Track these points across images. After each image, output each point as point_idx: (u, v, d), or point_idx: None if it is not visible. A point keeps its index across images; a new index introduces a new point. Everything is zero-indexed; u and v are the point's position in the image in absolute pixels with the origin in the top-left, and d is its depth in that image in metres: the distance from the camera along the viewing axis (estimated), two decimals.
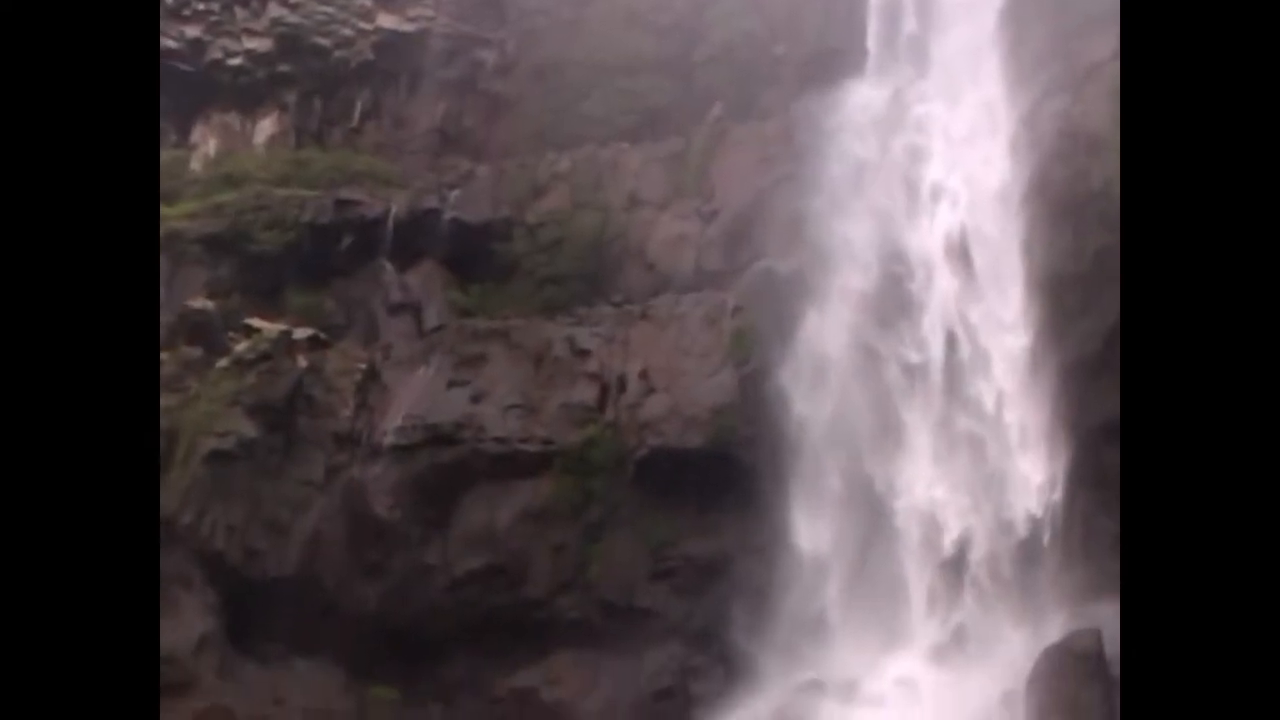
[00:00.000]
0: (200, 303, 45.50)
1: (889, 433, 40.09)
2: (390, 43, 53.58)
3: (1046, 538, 36.32)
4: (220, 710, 39.45)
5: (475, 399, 44.02)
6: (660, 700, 40.06)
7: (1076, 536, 35.39)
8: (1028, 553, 36.94)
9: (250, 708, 39.68)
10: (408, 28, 53.74)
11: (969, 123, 43.38)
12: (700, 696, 39.43)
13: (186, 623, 40.55)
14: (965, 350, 40.25)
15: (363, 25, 53.60)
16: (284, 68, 53.09)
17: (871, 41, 46.51)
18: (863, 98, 44.58)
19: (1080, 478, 36.16)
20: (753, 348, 42.61)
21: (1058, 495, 36.51)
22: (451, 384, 44.41)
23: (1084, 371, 36.62)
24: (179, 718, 39.12)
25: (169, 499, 42.04)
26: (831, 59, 46.78)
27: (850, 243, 42.44)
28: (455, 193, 48.63)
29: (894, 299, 41.71)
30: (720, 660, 39.66)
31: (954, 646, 36.59)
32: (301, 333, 45.18)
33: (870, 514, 39.34)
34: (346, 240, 47.68)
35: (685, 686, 40.04)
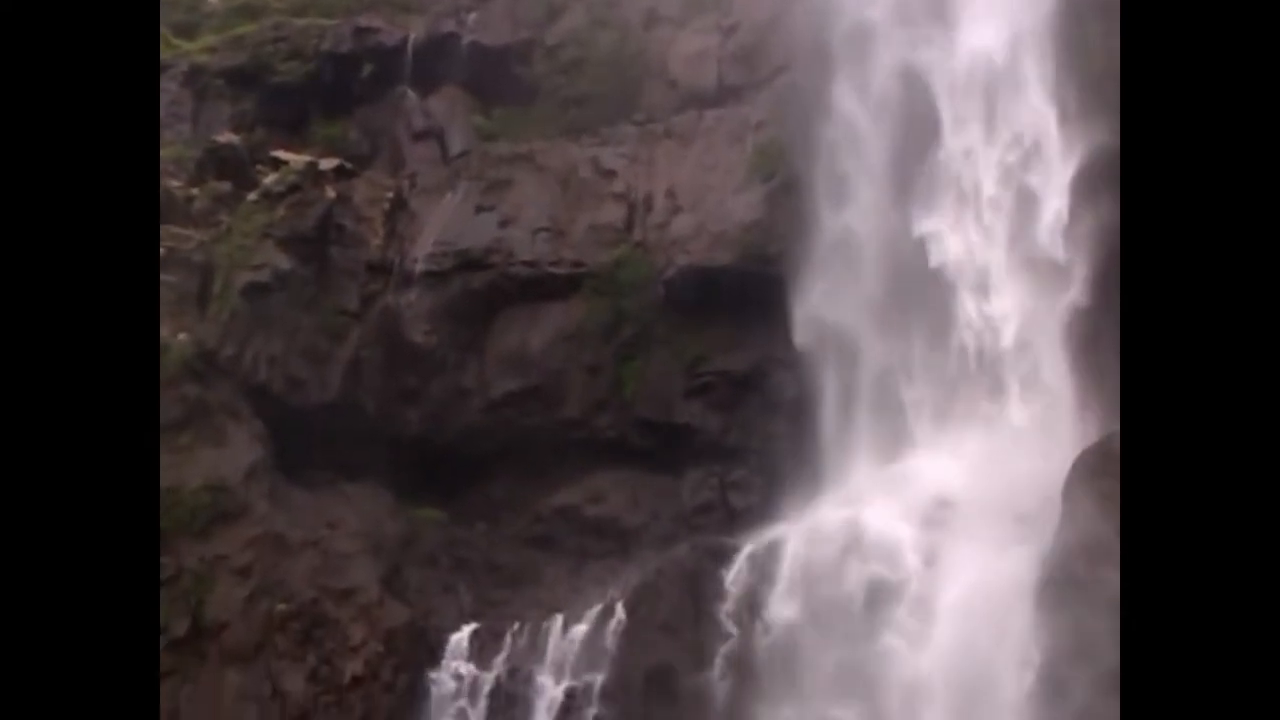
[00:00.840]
0: (226, 137, 45.80)
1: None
2: None
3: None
4: (272, 536, 40.54)
5: (503, 223, 44.52)
6: (701, 514, 41.14)
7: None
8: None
9: (302, 533, 40.74)
10: None
11: None
12: (741, 510, 40.49)
13: (236, 453, 41.53)
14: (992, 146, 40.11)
15: None
16: None
17: None
18: None
19: None
20: (778, 162, 42.91)
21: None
22: (479, 209, 44.87)
23: None
24: (232, 545, 40.43)
25: (210, 333, 42.85)
26: None
27: (869, 54, 42.29)
28: (473, 16, 48.62)
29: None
30: (760, 473, 40.66)
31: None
32: (328, 163, 45.54)
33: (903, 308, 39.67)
34: (367, 68, 47.80)
35: (725, 500, 41.11)
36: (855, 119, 41.74)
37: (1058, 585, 32.42)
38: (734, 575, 37.60)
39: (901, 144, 40.90)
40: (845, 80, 41.97)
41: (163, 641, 38.79)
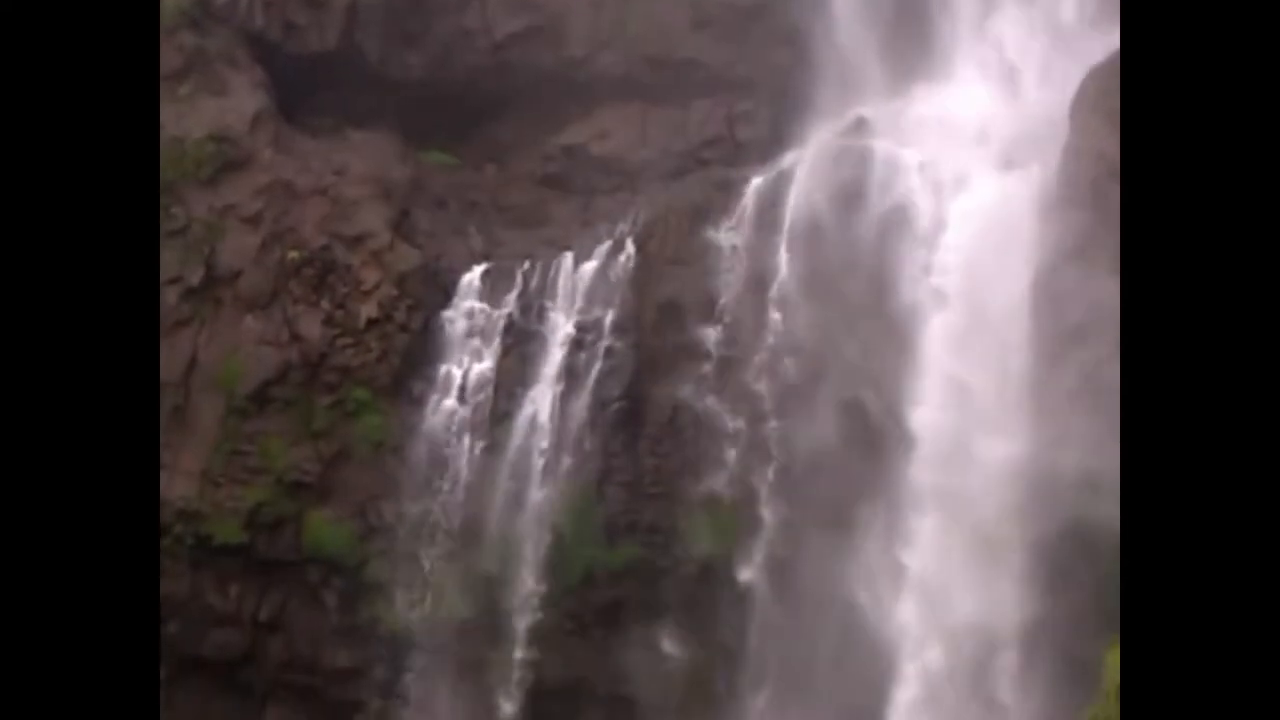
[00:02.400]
0: None
1: None
2: None
3: None
4: (281, 184, 40.48)
5: None
6: (708, 148, 40.96)
7: None
8: None
9: (310, 180, 40.65)
10: None
11: None
12: (747, 143, 40.28)
13: (238, 101, 41.14)
14: None
15: None
16: None
17: None
18: None
19: None
20: None
21: None
22: None
23: None
24: (241, 194, 40.43)
25: None
26: None
27: None
28: None
29: None
30: (767, 105, 40.33)
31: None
32: None
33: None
34: None
35: (732, 133, 40.86)
36: None
37: (1063, 197, 32.50)
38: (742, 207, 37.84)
39: None
40: None
41: (178, 290, 39.29)
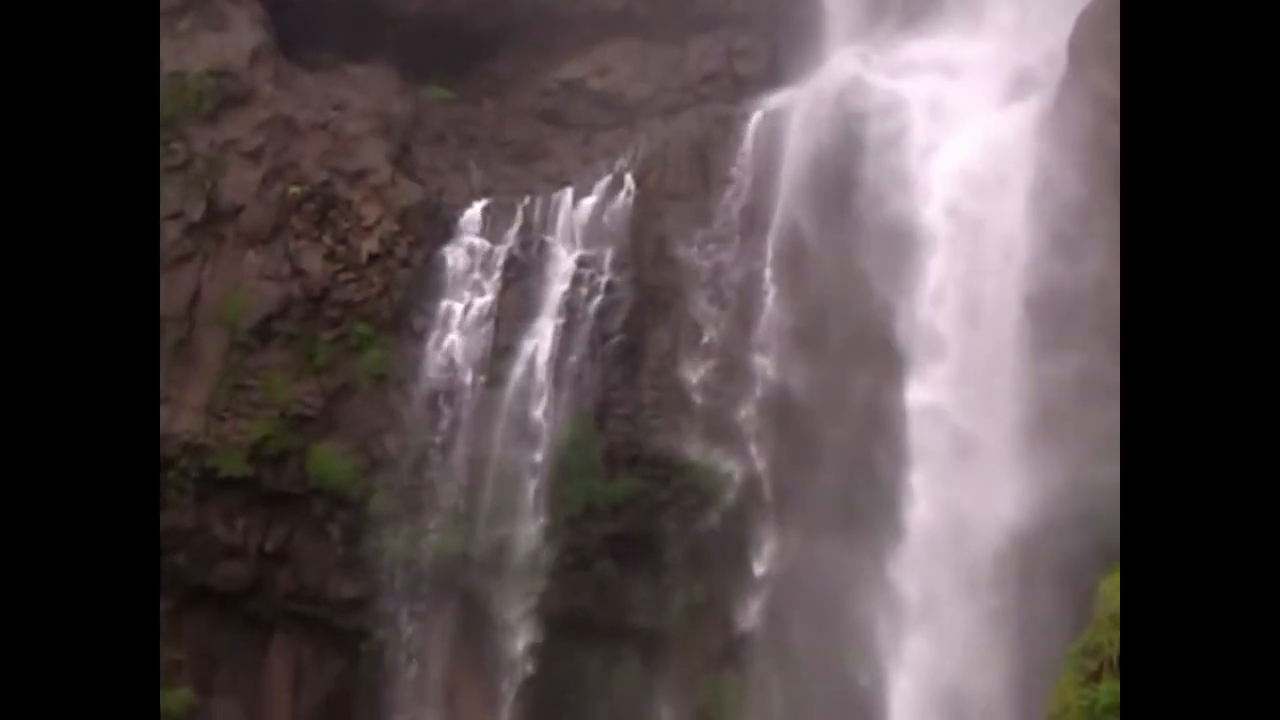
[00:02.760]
0: None
1: None
2: None
3: None
4: (281, 119, 40.63)
5: None
6: (707, 83, 41.14)
7: None
8: None
9: (310, 115, 40.81)
10: None
11: None
12: (747, 78, 40.46)
13: (238, 36, 41.23)
14: None
15: None
16: None
17: None
18: None
19: None
20: None
21: None
22: None
23: None
24: (242, 129, 40.59)
25: None
26: None
27: None
28: None
29: None
30: (766, 39, 40.48)
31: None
32: None
33: None
34: None
35: (732, 69, 41.04)
36: None
37: (1059, 133, 32.86)
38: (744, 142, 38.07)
39: None
40: None
41: (180, 225, 39.51)
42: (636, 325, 38.41)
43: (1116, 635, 21.64)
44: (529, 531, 37.68)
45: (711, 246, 37.68)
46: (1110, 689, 20.18)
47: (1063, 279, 33.08)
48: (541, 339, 38.59)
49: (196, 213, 39.75)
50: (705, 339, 37.52)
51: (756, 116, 38.39)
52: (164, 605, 38.53)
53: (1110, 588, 24.28)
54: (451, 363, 38.87)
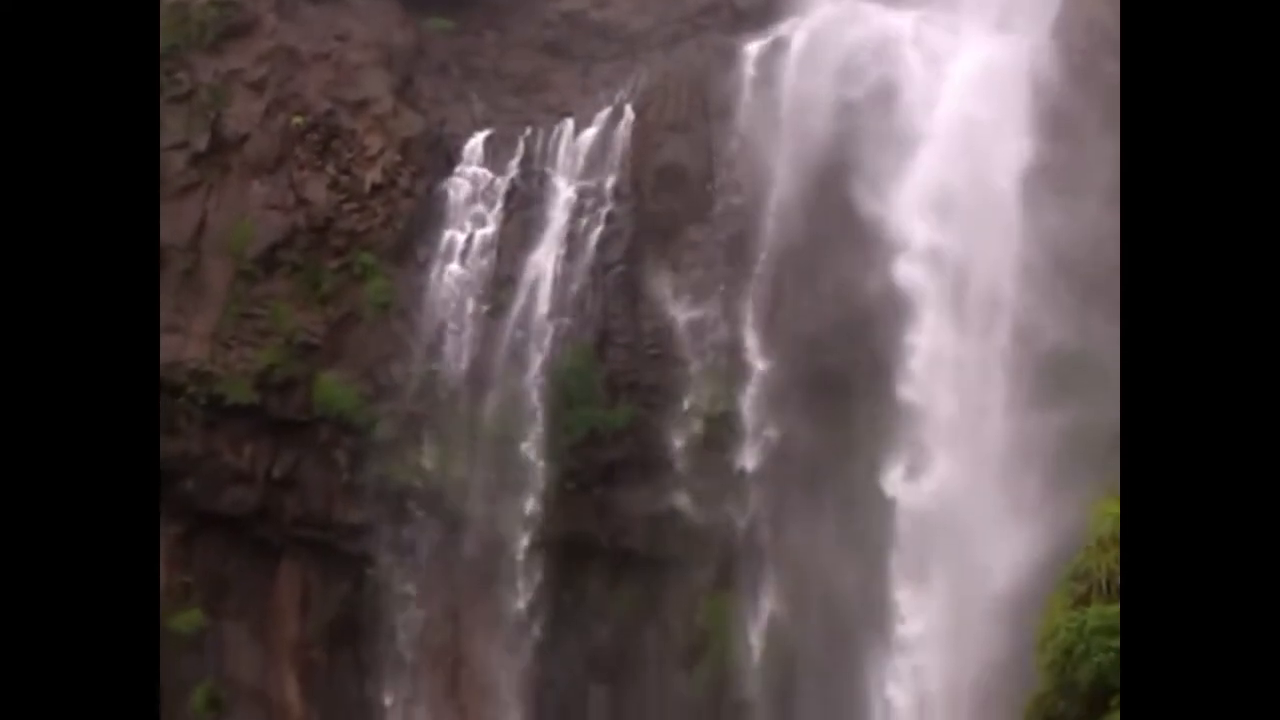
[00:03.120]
0: None
1: None
2: None
3: None
4: (284, 50, 40.94)
5: None
6: (706, 15, 41.36)
7: None
8: None
9: (313, 46, 41.13)
10: None
11: None
12: (746, 10, 40.68)
13: None
14: None
15: None
16: None
17: None
18: None
19: None
20: None
21: None
22: None
23: None
24: (245, 59, 40.95)
25: None
26: None
27: None
28: None
29: None
30: None
31: None
32: None
33: None
34: None
35: (731, 1, 41.21)
36: None
37: (1057, 66, 33.25)
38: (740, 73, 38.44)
39: None
40: None
41: (185, 155, 39.96)
42: (636, 255, 38.94)
43: (1105, 560, 22.21)
44: (531, 458, 38.37)
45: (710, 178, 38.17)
46: (1098, 612, 20.70)
47: (1060, 230, 33.55)
48: (542, 269, 39.14)
49: (201, 143, 40.18)
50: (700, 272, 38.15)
51: (755, 48, 38.75)
52: (174, 530, 39.43)
53: (1098, 514, 24.83)
54: (454, 292, 39.45)
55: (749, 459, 37.43)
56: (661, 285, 38.51)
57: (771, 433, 37.39)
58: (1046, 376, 33.48)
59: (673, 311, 38.18)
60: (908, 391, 35.61)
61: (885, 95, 36.40)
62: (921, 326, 35.44)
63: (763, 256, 37.63)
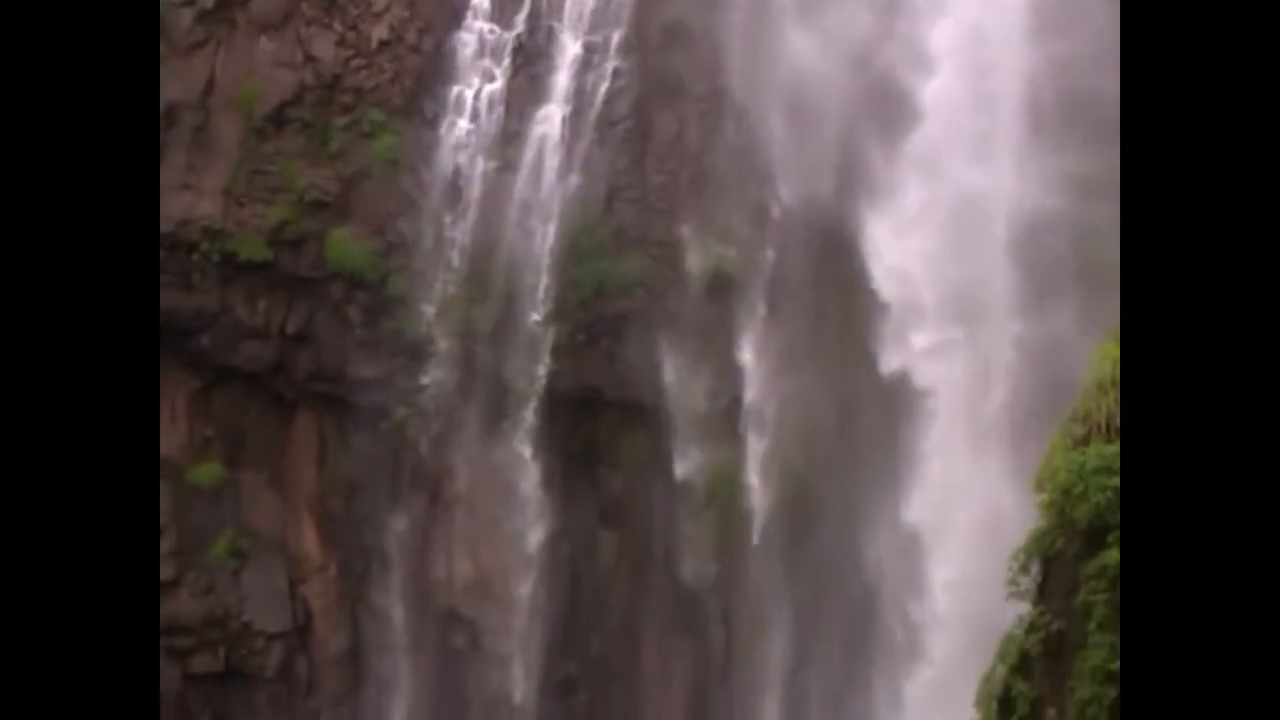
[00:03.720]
0: None
1: None
2: None
3: None
4: None
5: None
6: None
7: None
8: None
9: None
10: None
11: None
12: None
13: None
14: None
15: None
16: None
17: None
18: None
19: None
20: None
21: None
22: None
23: None
24: None
25: None
26: None
27: None
28: None
29: None
30: None
31: None
32: None
33: None
34: None
35: None
36: None
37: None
38: None
39: None
40: None
41: (192, 13, 39.96)
42: (644, 110, 39.19)
43: (1105, 401, 22.72)
44: (540, 311, 39.00)
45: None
46: (1098, 451, 21.06)
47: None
48: (550, 124, 39.43)
49: (209, 1, 40.24)
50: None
51: None
52: (192, 385, 40.32)
53: (1099, 357, 25.36)
54: (463, 148, 39.77)
55: (756, 308, 37.99)
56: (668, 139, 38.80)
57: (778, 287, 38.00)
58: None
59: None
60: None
61: None
62: None
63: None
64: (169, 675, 40.53)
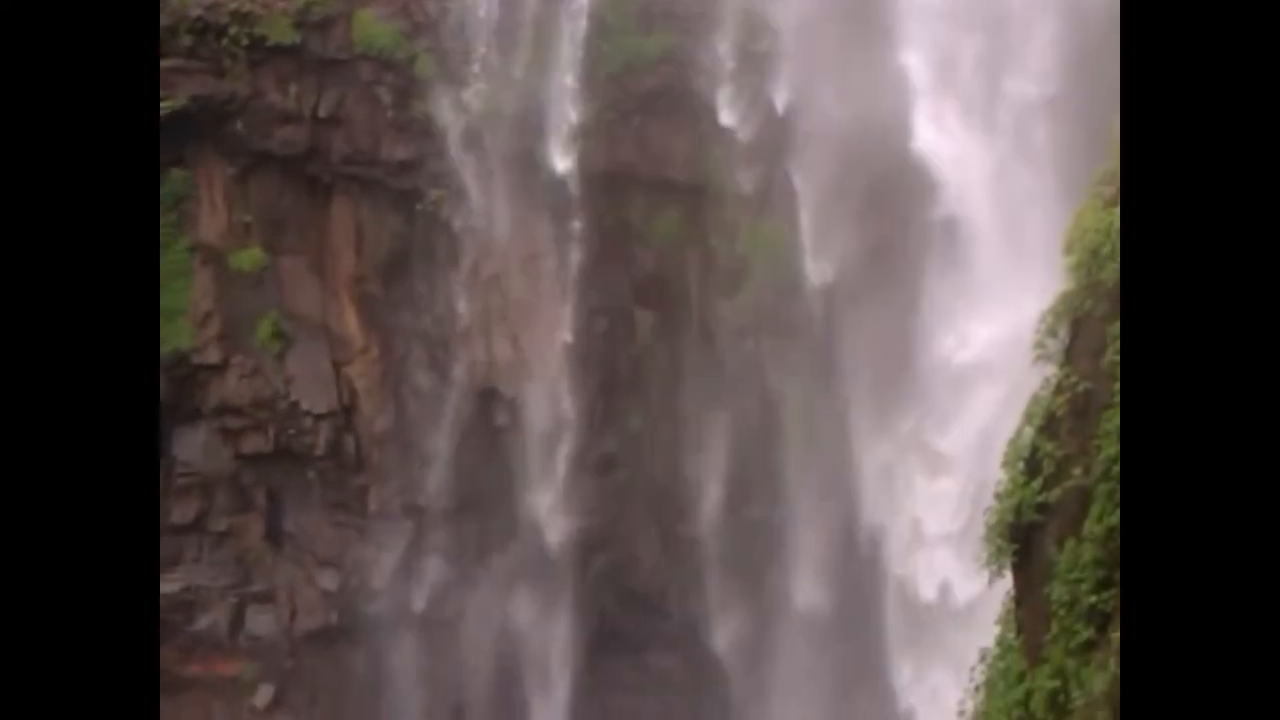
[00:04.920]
0: None
1: None
2: None
3: None
4: None
5: None
6: None
7: None
8: None
9: None
10: None
11: None
12: None
13: None
14: None
15: None
16: None
17: None
18: None
19: None
20: None
21: None
22: None
23: None
24: None
25: None
26: None
27: None
28: None
29: None
30: None
31: None
32: None
33: None
34: None
35: None
36: None
37: None
38: None
39: None
40: None
41: None
42: None
43: None
44: (568, 88, 38.54)
45: None
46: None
47: None
48: None
49: None
50: None
51: None
52: (230, 170, 40.53)
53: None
54: None
55: (783, 88, 37.22)
56: None
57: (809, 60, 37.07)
58: None
59: None
60: None
61: None
62: None
63: None
64: (223, 456, 41.66)
